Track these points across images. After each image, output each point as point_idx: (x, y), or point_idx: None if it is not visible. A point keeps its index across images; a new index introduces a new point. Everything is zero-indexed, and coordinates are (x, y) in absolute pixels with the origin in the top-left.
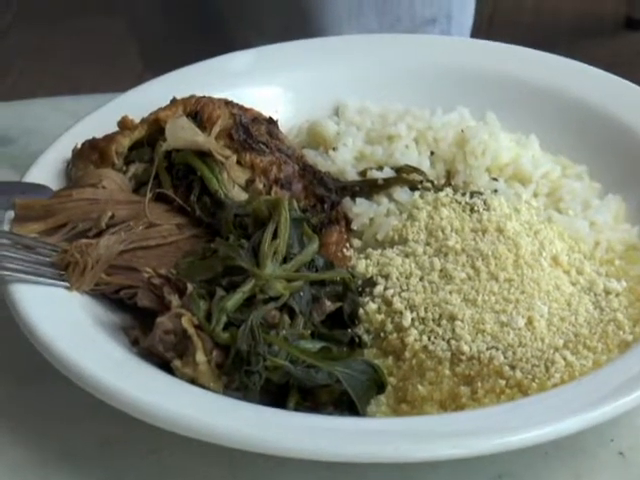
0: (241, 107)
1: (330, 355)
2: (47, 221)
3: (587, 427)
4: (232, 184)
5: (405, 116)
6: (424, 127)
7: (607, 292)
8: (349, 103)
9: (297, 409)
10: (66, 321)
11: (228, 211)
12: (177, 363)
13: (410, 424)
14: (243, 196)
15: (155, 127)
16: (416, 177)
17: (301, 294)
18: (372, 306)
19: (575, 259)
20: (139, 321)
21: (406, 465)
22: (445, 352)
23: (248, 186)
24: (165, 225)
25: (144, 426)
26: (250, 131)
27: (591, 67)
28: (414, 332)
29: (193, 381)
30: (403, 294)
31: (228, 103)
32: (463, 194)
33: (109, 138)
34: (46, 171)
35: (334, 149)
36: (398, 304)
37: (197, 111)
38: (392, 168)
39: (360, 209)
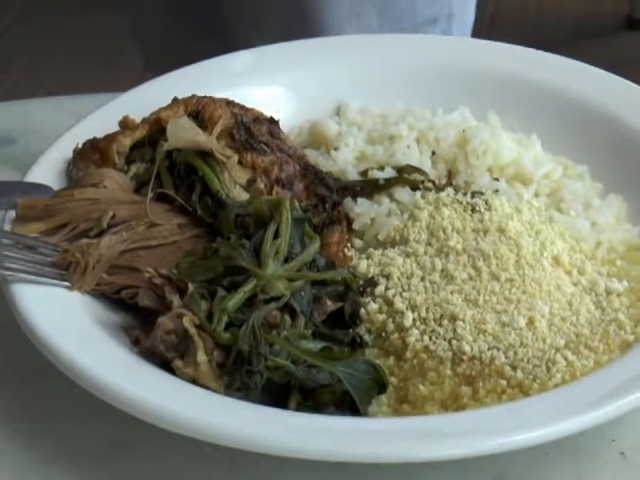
0: (242, 107)
1: (331, 355)
2: (48, 221)
3: (588, 427)
4: (233, 184)
5: (406, 116)
6: (425, 127)
7: (608, 292)
8: (350, 103)
9: (298, 409)
10: (67, 321)
11: (229, 211)
12: (178, 363)
13: (411, 424)
14: (244, 196)
15: (156, 127)
16: (417, 177)
17: (302, 294)
18: (373, 306)
19: (576, 259)
20: (140, 321)
21: (407, 465)
22: (446, 352)
23: (249, 186)
24: (166, 225)
25: (146, 426)
26: (251, 131)
27: (592, 67)
28: (415, 332)
29: (194, 381)
30: (404, 294)
31: (229, 103)
32: (464, 194)
33: (110, 138)
34: (47, 171)
35: (335, 149)
36: (399, 304)
37: (198, 111)
38: (393, 168)
39: (361, 209)
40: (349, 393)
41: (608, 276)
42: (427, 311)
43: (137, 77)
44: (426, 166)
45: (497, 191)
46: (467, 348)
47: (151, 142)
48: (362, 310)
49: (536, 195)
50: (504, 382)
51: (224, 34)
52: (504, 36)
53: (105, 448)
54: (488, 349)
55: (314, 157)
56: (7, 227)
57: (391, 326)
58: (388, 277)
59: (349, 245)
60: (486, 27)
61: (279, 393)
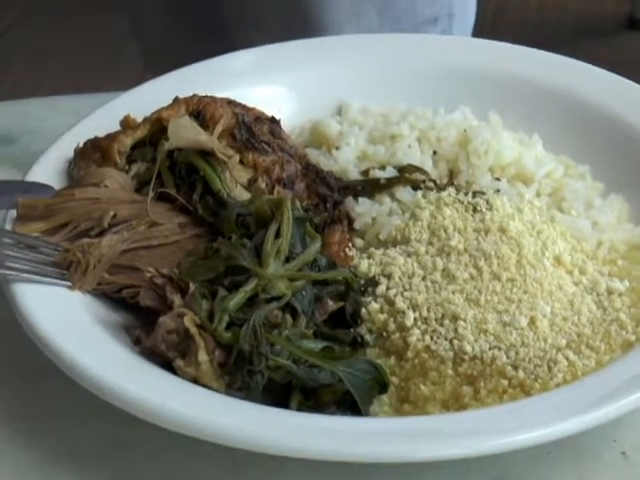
0: (244, 106)
1: (332, 355)
2: (49, 220)
3: (590, 427)
4: (234, 183)
5: (408, 116)
6: (427, 127)
7: (610, 292)
8: (352, 102)
9: (299, 409)
10: (68, 320)
11: (230, 210)
12: (179, 363)
13: (412, 424)
14: (245, 195)
15: (157, 126)
16: (419, 177)
17: (303, 294)
18: (374, 306)
19: (578, 259)
20: (141, 320)
21: (408, 465)
22: (448, 352)
23: (250, 185)
24: (167, 224)
25: (147, 426)
26: (253, 130)
27: (594, 67)
28: (416, 332)
29: (195, 381)
30: (405, 294)
31: (230, 102)
32: (466, 194)
33: (111, 137)
34: (48, 170)
35: (337, 148)
36: (400, 304)
37: (199, 110)
38: (395, 167)
39: (362, 208)
40: (350, 393)
41: (609, 276)
42: (428, 311)
43: (137, 77)
44: (427, 166)
45: (498, 191)
46: (468, 348)
47: (152, 141)
48: (363, 310)
49: (537, 195)
50: (505, 382)
51: (224, 34)
52: (505, 36)
53: (106, 448)
54: (489, 349)
55: (315, 157)
56: (8, 226)
57: (392, 326)
58: (389, 277)
59: (350, 245)
60: (487, 27)
61: (280, 393)
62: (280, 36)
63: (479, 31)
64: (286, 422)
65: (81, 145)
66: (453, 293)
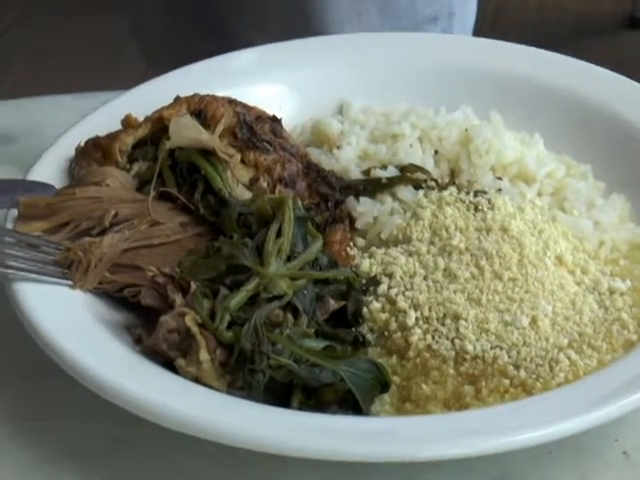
0: (245, 105)
1: (334, 354)
2: (51, 219)
3: (591, 427)
4: (236, 182)
5: (409, 115)
6: (428, 126)
7: (611, 291)
8: (353, 102)
9: (301, 408)
10: (70, 320)
11: (232, 210)
12: (181, 362)
13: (414, 423)
14: (247, 195)
15: (159, 125)
16: (420, 176)
17: (305, 293)
18: (376, 305)
19: (579, 258)
20: (142, 320)
21: (410, 464)
22: (449, 351)
23: (252, 184)
24: (169, 223)
25: (149, 425)
26: (254, 129)
27: (595, 66)
28: (418, 331)
29: (197, 380)
30: (407, 293)
31: (232, 101)
32: (467, 193)
33: (112, 136)
34: (49, 169)
35: (338, 148)
36: (402, 303)
37: (201, 109)
38: (396, 167)
39: (364, 208)
40: (352, 392)
41: (611, 275)
42: (430, 310)
43: (138, 77)
44: (429, 165)
45: (500, 190)
46: (470, 347)
47: (153, 141)
48: (365, 309)
49: (539, 194)
50: (507, 381)
51: (224, 34)
52: (505, 35)
53: (107, 446)
54: (491, 348)
55: (317, 156)
56: (9, 225)
57: (394, 325)
58: (391, 276)
59: (352, 244)
60: (487, 27)
61: (282, 392)
62: (281, 35)
63: (479, 31)
64: (287, 421)
65: (82, 144)
66: (455, 292)
